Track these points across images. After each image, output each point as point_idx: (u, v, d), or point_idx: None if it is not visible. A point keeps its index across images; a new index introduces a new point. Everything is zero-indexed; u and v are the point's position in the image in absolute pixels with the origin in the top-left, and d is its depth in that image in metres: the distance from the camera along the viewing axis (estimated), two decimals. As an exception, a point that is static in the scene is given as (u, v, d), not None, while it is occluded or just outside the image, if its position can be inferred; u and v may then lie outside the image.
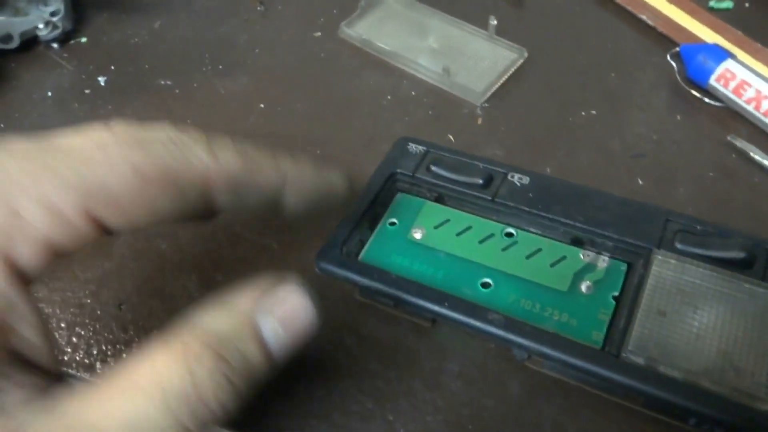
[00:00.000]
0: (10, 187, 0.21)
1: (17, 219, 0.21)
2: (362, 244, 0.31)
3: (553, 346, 0.27)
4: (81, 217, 0.22)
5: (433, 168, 0.33)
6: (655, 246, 0.29)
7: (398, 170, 0.33)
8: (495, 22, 0.45)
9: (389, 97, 0.43)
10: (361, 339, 0.32)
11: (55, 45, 0.49)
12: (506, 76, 0.43)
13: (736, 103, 0.40)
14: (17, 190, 0.21)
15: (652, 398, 0.25)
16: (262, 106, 0.43)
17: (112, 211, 0.23)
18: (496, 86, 0.43)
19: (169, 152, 0.23)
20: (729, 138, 0.39)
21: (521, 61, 0.44)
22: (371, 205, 0.32)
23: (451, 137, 0.40)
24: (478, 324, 0.27)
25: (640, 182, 0.38)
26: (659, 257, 0.29)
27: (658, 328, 0.27)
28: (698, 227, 0.30)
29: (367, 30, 0.47)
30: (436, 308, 0.28)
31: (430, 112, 0.42)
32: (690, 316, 0.27)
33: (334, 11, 0.49)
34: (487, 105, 0.42)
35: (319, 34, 0.48)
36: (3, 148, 0.22)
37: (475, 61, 0.44)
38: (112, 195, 0.22)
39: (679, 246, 0.29)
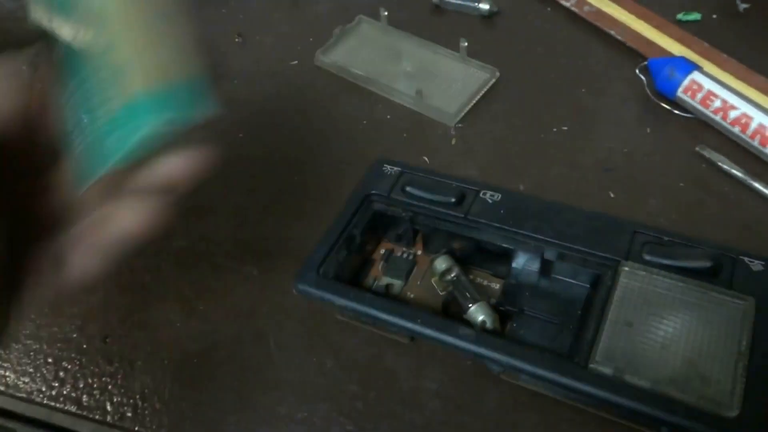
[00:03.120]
0: None
1: None
2: (339, 265, 0.32)
3: (522, 359, 0.27)
4: None
5: (408, 188, 0.34)
6: (623, 258, 0.30)
7: (374, 191, 0.34)
8: (466, 44, 0.45)
9: (365, 122, 0.44)
10: (341, 361, 0.33)
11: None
12: (478, 96, 0.44)
13: (703, 114, 0.41)
14: None
15: (620, 408, 0.26)
16: (240, 135, 0.44)
17: None
18: (469, 106, 0.44)
19: None
20: (698, 148, 0.40)
21: (493, 80, 0.45)
22: (347, 226, 0.33)
23: (426, 158, 0.41)
24: (449, 339, 0.28)
25: (612, 195, 0.38)
26: (626, 269, 0.29)
27: (625, 339, 0.27)
28: (666, 238, 0.31)
29: (342, 57, 0.48)
30: (410, 325, 0.29)
31: (405, 135, 0.43)
32: (656, 326, 0.27)
33: (310, 39, 0.50)
34: (460, 125, 0.43)
35: (296, 62, 0.49)
36: None
37: (448, 83, 0.45)
38: None
39: (646, 257, 0.30)
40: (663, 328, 0.27)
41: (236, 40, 0.51)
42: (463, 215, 0.32)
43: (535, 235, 0.31)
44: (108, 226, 0.24)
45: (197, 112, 0.23)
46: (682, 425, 0.25)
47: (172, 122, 0.22)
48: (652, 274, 0.29)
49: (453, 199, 0.32)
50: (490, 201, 0.33)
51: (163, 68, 0.22)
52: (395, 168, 0.35)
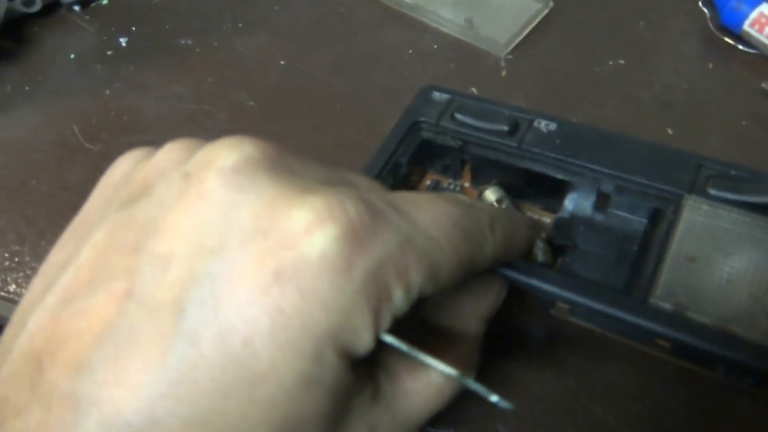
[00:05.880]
0: (390, 269, 0.18)
1: (387, 305, 0.18)
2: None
3: (580, 292, 0.26)
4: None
5: (458, 116, 0.32)
6: (686, 191, 0.28)
7: (422, 118, 0.33)
8: (519, -28, 0.43)
9: (411, 51, 0.43)
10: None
11: (76, 8, 0.49)
12: (531, 27, 0.42)
13: (771, 49, 0.39)
14: (393, 273, 0.18)
15: (680, 344, 0.25)
16: (282, 62, 0.43)
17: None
18: (521, 37, 0.42)
19: (478, 243, 0.21)
20: (763, 85, 0.38)
21: (546, 10, 0.43)
22: (393, 153, 0.32)
23: (475, 90, 0.40)
24: (503, 270, 0.27)
25: (670, 132, 0.36)
26: (691, 203, 0.28)
27: (688, 274, 0.26)
28: (732, 172, 0.29)
29: (388, -17, 0.46)
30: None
31: (452, 65, 0.41)
32: (721, 261, 0.26)
33: (354, -35, 0.48)
34: (511, 57, 0.41)
35: (339, -12, 0.47)
36: (382, 215, 0.19)
37: (498, 12, 0.43)
38: (440, 280, 0.20)
39: (711, 191, 0.28)
40: (728, 264, 0.26)
41: (277, -35, 0.49)
42: (516, 144, 0.31)
43: (593, 167, 0.29)
44: None
45: None
46: (745, 363, 0.24)
47: None
48: (717, 209, 0.27)
49: (506, 128, 0.31)
50: (544, 130, 0.31)
51: None
52: (444, 95, 0.33)
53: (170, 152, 0.21)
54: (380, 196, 0.19)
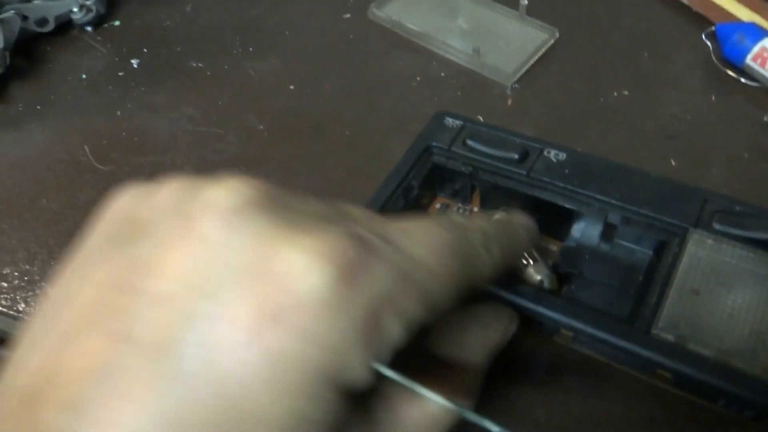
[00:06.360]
0: (385, 304, 0.18)
1: (384, 340, 0.18)
2: (396, 216, 0.31)
3: (583, 320, 0.26)
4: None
5: (470, 142, 0.33)
6: (691, 225, 0.29)
7: (434, 143, 0.33)
8: (526, 2, 0.44)
9: (419, 78, 0.43)
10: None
11: (89, 28, 0.49)
12: (537, 57, 0.43)
13: (773, 83, 0.39)
14: (389, 308, 0.18)
15: (681, 375, 0.25)
16: (292, 87, 0.44)
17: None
18: (527, 67, 0.43)
19: (473, 265, 0.22)
20: (765, 118, 0.38)
21: (552, 41, 0.44)
22: (406, 176, 0.32)
23: (481, 118, 0.40)
24: (507, 295, 0.27)
25: (673, 163, 0.37)
26: (696, 236, 0.28)
27: (690, 307, 0.26)
28: (737, 208, 0.29)
29: (396, 11, 0.47)
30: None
31: (459, 93, 0.42)
32: (724, 295, 0.26)
33: (364, -7, 0.49)
34: (517, 86, 0.42)
35: (348, 15, 0.48)
36: (372, 250, 0.19)
37: (505, 42, 0.44)
38: (438, 308, 0.20)
39: (716, 226, 0.29)
40: (731, 298, 0.26)
41: (288, -10, 0.50)
42: (525, 173, 0.31)
43: (600, 197, 0.30)
44: None
45: None
46: (744, 397, 0.24)
47: None
48: (721, 244, 0.28)
49: (516, 156, 0.32)
50: (554, 160, 0.32)
51: None
52: (457, 121, 0.34)
53: (169, 191, 0.21)
54: (374, 229, 0.20)
